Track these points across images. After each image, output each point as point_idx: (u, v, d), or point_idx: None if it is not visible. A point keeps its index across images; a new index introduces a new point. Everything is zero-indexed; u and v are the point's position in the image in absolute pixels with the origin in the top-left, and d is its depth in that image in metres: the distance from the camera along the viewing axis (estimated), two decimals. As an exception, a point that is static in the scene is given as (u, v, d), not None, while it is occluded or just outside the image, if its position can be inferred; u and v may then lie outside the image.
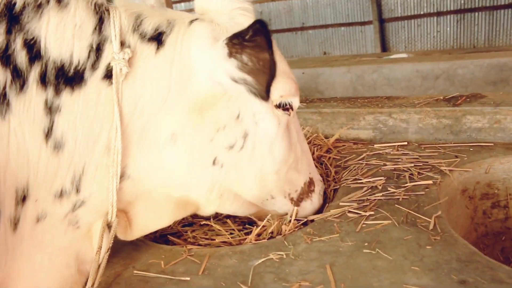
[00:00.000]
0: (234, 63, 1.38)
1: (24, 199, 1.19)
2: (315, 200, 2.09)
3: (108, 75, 1.27)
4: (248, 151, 1.69)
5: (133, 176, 1.48)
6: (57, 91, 1.16)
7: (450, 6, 11.87)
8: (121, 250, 2.02)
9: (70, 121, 1.21)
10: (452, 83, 4.18)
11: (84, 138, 1.27)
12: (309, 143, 2.85)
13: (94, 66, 1.24)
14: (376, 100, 2.99)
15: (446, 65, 4.18)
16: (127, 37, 1.34)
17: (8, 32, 1.07)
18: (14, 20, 1.08)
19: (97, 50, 1.24)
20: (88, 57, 1.22)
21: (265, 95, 1.39)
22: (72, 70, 1.18)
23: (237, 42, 1.34)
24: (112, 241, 1.53)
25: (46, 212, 1.27)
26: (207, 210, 1.85)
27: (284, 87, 1.67)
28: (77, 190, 1.32)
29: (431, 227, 1.78)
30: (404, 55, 5.52)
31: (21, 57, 1.09)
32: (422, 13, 12.25)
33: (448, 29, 12.15)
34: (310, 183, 2.05)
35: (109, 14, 1.29)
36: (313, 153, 2.72)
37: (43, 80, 1.13)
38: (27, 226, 1.23)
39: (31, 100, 1.12)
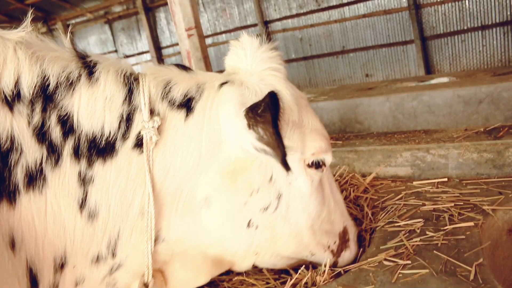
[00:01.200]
0: (253, 135, 1.41)
1: (62, 266, 1.23)
2: (352, 247, 2.07)
3: (139, 143, 1.31)
4: (282, 211, 1.69)
5: (168, 238, 1.51)
6: (90, 163, 1.21)
7: (495, 19, 11.48)
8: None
9: (103, 191, 1.25)
10: (497, 107, 4.01)
11: (118, 205, 1.30)
12: (345, 183, 2.82)
13: (124, 136, 1.28)
14: (413, 135, 2.92)
15: (489, 88, 4.03)
16: (156, 105, 1.37)
17: (43, 110, 1.12)
18: (48, 99, 1.14)
19: (127, 120, 1.28)
20: (119, 127, 1.26)
21: (284, 167, 1.40)
22: (103, 142, 1.22)
23: (252, 116, 1.36)
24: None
25: (84, 277, 1.31)
26: (242, 266, 1.87)
27: (314, 145, 1.67)
28: (113, 255, 1.36)
29: (471, 277, 1.70)
30: (445, 79, 5.36)
31: (55, 132, 1.14)
32: (465, 28, 11.91)
33: (495, 42, 11.74)
34: (344, 232, 2.03)
35: (138, 83, 1.33)
36: (349, 194, 2.68)
37: (76, 153, 1.18)
38: None
39: (65, 173, 1.17)
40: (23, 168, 1.09)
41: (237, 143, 1.49)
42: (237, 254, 1.74)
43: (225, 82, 1.55)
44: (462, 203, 2.29)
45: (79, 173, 1.19)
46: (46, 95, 1.13)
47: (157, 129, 1.33)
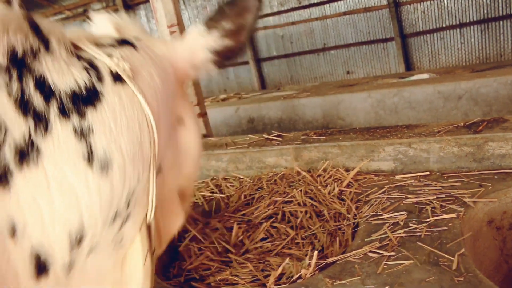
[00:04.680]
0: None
1: (80, 240, 1.12)
2: None
3: (117, 77, 1.27)
4: None
5: (163, 168, 1.46)
6: (81, 115, 1.13)
7: (473, 17, 11.68)
8: (145, 299, 2.04)
9: (107, 133, 1.17)
10: (476, 103, 4.09)
11: (128, 141, 1.22)
12: (329, 177, 2.84)
13: (99, 78, 1.23)
14: (395, 130, 2.96)
15: (468, 84, 4.11)
16: (103, 51, 1.36)
17: (19, 78, 1.07)
18: (21, 63, 1.08)
19: (92, 67, 1.25)
20: (89, 75, 1.21)
21: None
22: (84, 91, 1.17)
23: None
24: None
25: (98, 242, 1.19)
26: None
27: None
28: (128, 205, 1.25)
29: (454, 266, 1.74)
30: (425, 76, 5.44)
31: (37, 99, 1.07)
32: (444, 25, 12.08)
33: (473, 40, 11.94)
34: None
35: (76, 45, 1.31)
36: (333, 189, 2.71)
37: (63, 112, 1.11)
38: (80, 264, 1.16)
39: (59, 136, 1.08)
40: (11, 147, 1.01)
41: (187, 63, 1.59)
42: (192, 177, 1.78)
43: (136, 37, 1.60)
44: (444, 196, 2.33)
45: (74, 129, 1.11)
46: (18, 61, 1.08)
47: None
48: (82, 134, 1.11)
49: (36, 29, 1.16)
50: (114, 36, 1.55)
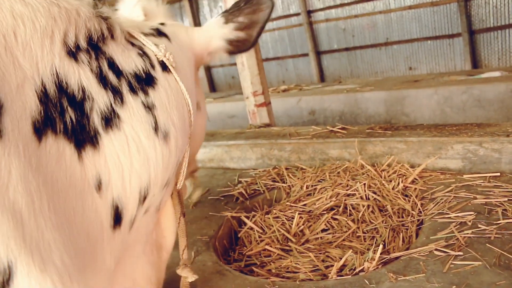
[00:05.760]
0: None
1: (145, 198, 1.30)
2: None
3: (164, 67, 1.48)
4: None
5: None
6: (145, 92, 1.35)
7: (549, 13, 11.03)
8: (208, 279, 2.12)
9: (164, 110, 1.39)
10: (552, 104, 3.89)
11: (179, 119, 1.45)
12: (394, 173, 2.80)
13: (152, 65, 1.44)
14: (465, 128, 2.87)
15: (544, 84, 3.90)
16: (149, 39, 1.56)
17: (96, 57, 1.26)
18: (96, 47, 1.27)
19: (144, 54, 1.45)
20: (144, 61, 1.42)
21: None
22: (143, 74, 1.38)
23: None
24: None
25: (152, 203, 1.39)
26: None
27: None
28: (172, 173, 1.47)
29: (527, 271, 1.68)
30: (497, 74, 5.20)
31: (111, 76, 1.27)
32: (517, 22, 11.47)
33: (548, 37, 11.29)
34: None
35: (128, 32, 1.50)
36: (397, 184, 2.67)
37: (132, 89, 1.31)
38: (137, 221, 1.33)
39: (133, 107, 1.28)
40: (98, 113, 1.18)
41: (204, 50, 1.79)
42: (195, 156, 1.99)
43: (162, 23, 1.76)
44: (516, 198, 2.24)
45: (142, 103, 1.31)
46: (94, 45, 1.26)
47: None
48: (149, 107, 1.33)
49: (104, 18, 1.34)
50: (148, 24, 1.72)
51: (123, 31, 1.42)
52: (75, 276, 0.99)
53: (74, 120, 1.11)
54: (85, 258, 1.08)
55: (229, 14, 1.74)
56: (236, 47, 1.77)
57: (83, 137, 1.13)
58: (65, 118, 1.09)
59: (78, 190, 1.08)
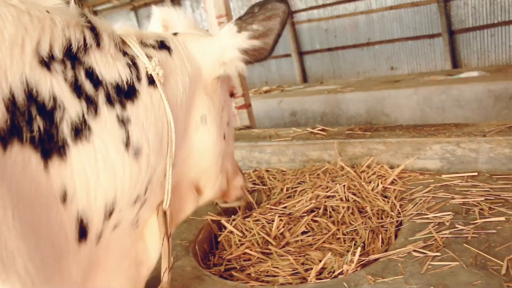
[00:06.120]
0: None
1: (111, 213, 1.29)
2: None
3: (151, 81, 1.45)
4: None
5: (176, 163, 1.62)
6: (123, 105, 1.33)
7: (527, 13, 11.22)
8: (187, 285, 2.09)
9: (140, 126, 1.36)
10: (529, 103, 3.94)
11: (154, 137, 1.43)
12: (373, 174, 2.81)
13: (138, 77, 1.42)
14: (443, 128, 2.89)
15: (521, 83, 3.96)
16: (145, 51, 1.53)
17: (73, 67, 1.23)
18: (74, 57, 1.25)
19: (133, 65, 1.43)
20: (131, 72, 1.40)
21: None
22: (126, 86, 1.35)
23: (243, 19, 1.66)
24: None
25: (121, 219, 1.38)
26: (208, 191, 1.98)
27: None
28: (145, 191, 1.44)
29: (503, 271, 1.69)
30: (474, 73, 5.27)
31: (87, 85, 1.25)
32: (496, 22, 11.64)
33: (526, 37, 11.48)
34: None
35: (124, 41, 1.49)
36: (377, 185, 2.68)
37: (109, 100, 1.29)
38: (106, 236, 1.32)
39: (106, 119, 1.26)
40: (68, 123, 1.16)
41: (211, 64, 1.71)
42: (213, 173, 1.90)
43: (175, 33, 1.75)
44: (492, 198, 2.26)
45: (117, 116, 1.29)
46: (71, 54, 1.24)
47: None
48: (123, 122, 1.31)
49: (91, 27, 1.33)
50: (158, 34, 1.70)
51: (114, 39, 1.40)
52: (40, 285, 0.97)
53: (42, 129, 1.09)
54: (51, 269, 1.06)
55: (242, 22, 1.65)
56: (253, 56, 1.68)
57: (50, 147, 1.11)
58: (32, 127, 1.07)
59: (43, 200, 1.07)
